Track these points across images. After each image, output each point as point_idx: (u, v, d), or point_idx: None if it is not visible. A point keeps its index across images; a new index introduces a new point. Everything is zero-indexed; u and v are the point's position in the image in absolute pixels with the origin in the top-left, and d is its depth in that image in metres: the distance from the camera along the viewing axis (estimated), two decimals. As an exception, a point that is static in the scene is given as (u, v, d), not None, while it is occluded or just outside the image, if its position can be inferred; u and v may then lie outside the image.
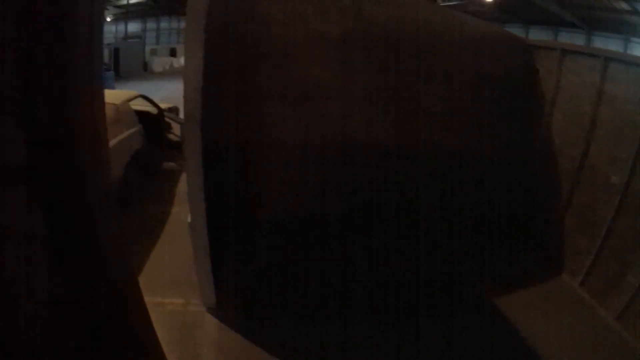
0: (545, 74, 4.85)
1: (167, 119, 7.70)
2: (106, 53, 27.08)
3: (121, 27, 39.04)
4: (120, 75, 25.35)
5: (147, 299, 3.52)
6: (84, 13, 0.94)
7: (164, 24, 46.24)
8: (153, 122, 7.16)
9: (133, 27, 42.42)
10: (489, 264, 4.38)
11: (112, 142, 4.95)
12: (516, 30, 27.71)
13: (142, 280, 3.72)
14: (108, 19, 41.67)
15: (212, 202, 3.34)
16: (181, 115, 7.81)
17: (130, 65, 28.32)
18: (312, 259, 4.11)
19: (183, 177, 7.06)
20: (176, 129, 7.91)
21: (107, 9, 37.81)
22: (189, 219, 3.44)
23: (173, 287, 3.94)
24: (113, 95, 6.11)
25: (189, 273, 3.77)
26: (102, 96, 1.01)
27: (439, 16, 4.12)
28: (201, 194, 3.31)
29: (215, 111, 3.46)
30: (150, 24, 44.75)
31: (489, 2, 22.30)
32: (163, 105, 7.94)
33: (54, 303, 0.90)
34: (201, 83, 3.07)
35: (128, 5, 34.14)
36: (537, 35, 25.95)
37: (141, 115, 6.70)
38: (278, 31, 3.83)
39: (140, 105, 7.16)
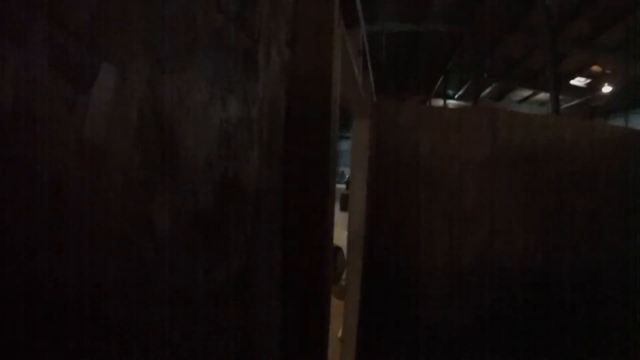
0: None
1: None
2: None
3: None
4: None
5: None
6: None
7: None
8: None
9: None
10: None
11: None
12: None
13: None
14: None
15: (363, 320, 3.45)
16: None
17: None
18: None
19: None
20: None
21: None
22: (340, 334, 3.61)
23: None
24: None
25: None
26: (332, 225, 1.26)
27: (567, 128, 4.22)
28: (355, 311, 3.58)
29: (375, 237, 3.75)
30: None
31: (608, 92, 21.11)
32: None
33: None
34: (364, 211, 3.38)
35: None
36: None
37: None
38: (429, 160, 4.15)
39: None
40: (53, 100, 0.42)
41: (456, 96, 26.83)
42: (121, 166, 0.49)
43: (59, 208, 0.42)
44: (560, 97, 15.84)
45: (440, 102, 25.88)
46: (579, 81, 21.85)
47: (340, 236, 4.17)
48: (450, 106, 25.27)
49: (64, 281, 0.43)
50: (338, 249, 8.59)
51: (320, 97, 1.09)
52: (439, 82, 24.61)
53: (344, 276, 4.35)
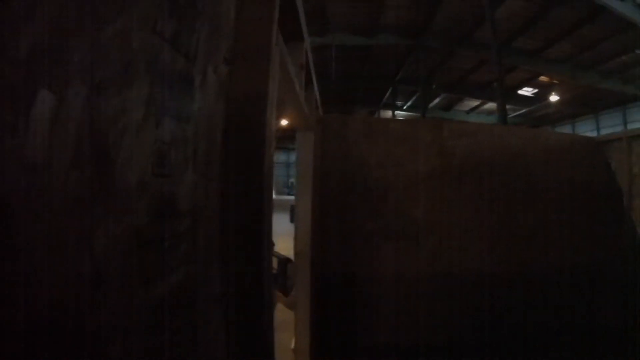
0: (619, 166, 4.91)
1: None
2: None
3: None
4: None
5: None
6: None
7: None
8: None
9: None
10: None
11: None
12: (588, 121, 27.37)
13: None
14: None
15: (315, 330, 3.48)
16: (279, 250, 8.20)
17: None
18: None
19: (279, 308, 7.20)
20: (274, 261, 8.22)
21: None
22: (293, 345, 3.68)
23: None
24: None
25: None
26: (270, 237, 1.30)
27: (513, 137, 4.42)
28: (306, 323, 3.58)
29: (321, 248, 3.80)
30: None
31: (555, 101, 22.41)
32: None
33: None
34: (310, 224, 3.42)
35: None
36: (608, 119, 25.87)
37: None
38: (375, 172, 4.24)
39: None
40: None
41: (405, 107, 27.44)
42: (60, 185, 0.52)
43: (3, 222, 0.44)
44: (508, 106, 16.57)
45: (389, 113, 26.35)
46: (526, 91, 22.92)
47: (291, 247, 4.21)
48: (399, 117, 25.78)
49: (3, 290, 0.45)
50: (289, 260, 8.39)
51: (257, 115, 1.13)
52: (388, 93, 25.11)
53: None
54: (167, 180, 0.76)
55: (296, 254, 3.52)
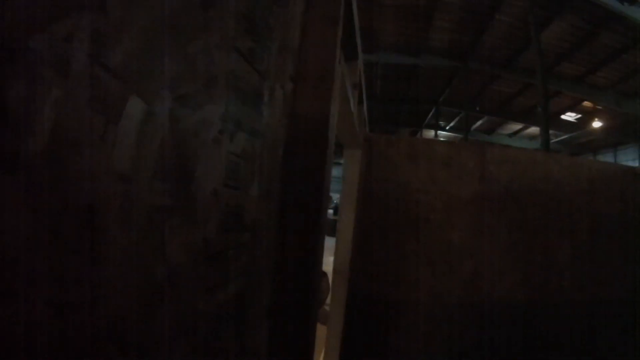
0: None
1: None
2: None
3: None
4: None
5: None
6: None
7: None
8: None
9: None
10: None
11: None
12: (630, 149, 26.03)
13: None
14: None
15: (346, 346, 3.46)
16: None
17: None
18: None
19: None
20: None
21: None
22: (321, 358, 3.65)
23: None
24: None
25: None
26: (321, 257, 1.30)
27: (555, 165, 4.27)
28: (338, 337, 3.58)
29: (360, 267, 3.78)
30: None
31: (597, 128, 21.55)
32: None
33: None
34: (351, 244, 3.41)
35: None
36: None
37: None
38: (417, 195, 4.20)
39: None
40: (87, 130, 0.47)
41: (447, 127, 27.14)
42: (144, 194, 0.54)
43: (90, 229, 0.46)
44: (551, 132, 16.15)
45: (431, 133, 26.13)
46: (569, 116, 22.29)
47: (325, 260, 4.20)
48: (441, 138, 25.50)
49: (89, 295, 0.47)
50: (323, 274, 8.45)
51: (318, 134, 1.14)
52: (431, 114, 24.95)
53: (327, 301, 4.35)
54: (237, 193, 0.78)
55: (335, 269, 3.48)
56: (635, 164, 18.75)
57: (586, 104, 19.46)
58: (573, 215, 4.29)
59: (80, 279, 0.46)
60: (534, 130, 22.74)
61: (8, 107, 0.38)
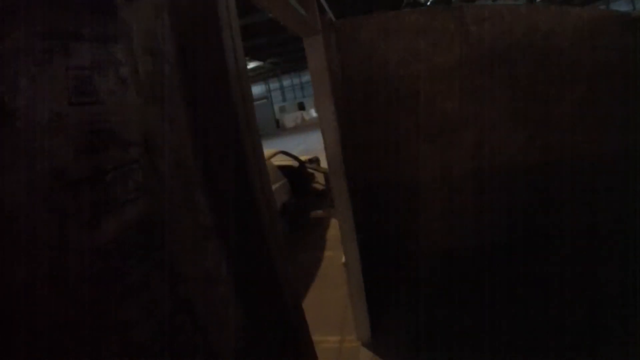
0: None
1: (310, 170, 8.07)
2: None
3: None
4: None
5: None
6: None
7: (286, 82, 50.52)
8: (297, 175, 7.57)
9: (257, 89, 46.55)
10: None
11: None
12: (622, 1, 24.77)
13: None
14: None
15: (363, 242, 3.56)
16: (323, 163, 8.23)
17: (263, 125, 30.24)
18: (467, 291, 4.07)
19: (332, 223, 7.37)
20: (320, 177, 8.27)
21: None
22: (343, 260, 3.68)
23: (329, 325, 4.13)
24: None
25: (344, 312, 3.94)
26: (263, 159, 1.23)
27: (541, 16, 3.98)
28: (352, 235, 3.55)
29: (356, 157, 3.76)
30: (274, 84, 49.12)
31: None
32: (304, 158, 8.37)
33: (239, 334, 1.12)
34: (338, 134, 3.34)
35: (248, 70, 37.19)
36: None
37: (284, 169, 7.17)
38: (399, 71, 4.04)
39: (281, 160, 7.68)
40: None
41: (428, 3, 25.78)
42: None
43: None
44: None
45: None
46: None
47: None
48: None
49: None
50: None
51: (211, 30, 1.02)
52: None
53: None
54: (94, 107, 0.69)
55: (330, 166, 3.45)
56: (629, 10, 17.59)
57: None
58: (569, 67, 4.06)
59: None
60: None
61: None
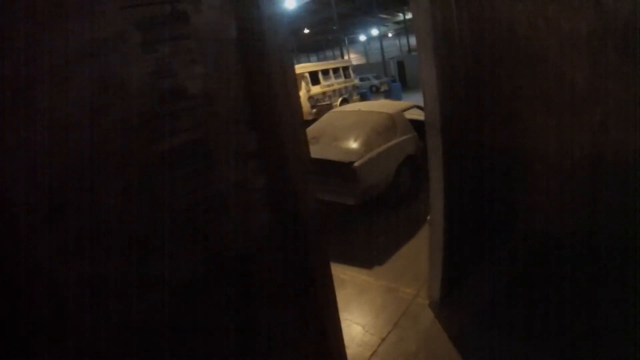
0: None
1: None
2: (392, 65, 29.60)
3: (403, 41, 42.03)
4: (408, 86, 27.06)
5: (385, 283, 4.15)
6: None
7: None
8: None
9: (414, 40, 44.49)
10: None
11: (384, 146, 5.87)
12: None
13: (385, 268, 4.40)
14: (390, 35, 45.50)
15: (450, 203, 3.49)
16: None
17: (415, 76, 29.38)
18: (559, 277, 3.75)
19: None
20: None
21: (387, 26, 41.26)
22: (429, 217, 3.67)
23: (412, 277, 4.20)
24: (390, 106, 7.04)
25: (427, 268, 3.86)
26: (299, 106, 1.80)
27: None
28: (441, 195, 3.51)
29: (456, 117, 3.61)
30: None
31: None
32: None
33: (265, 230, 1.70)
34: (436, 91, 3.33)
35: (405, 20, 36.44)
36: None
37: (417, 123, 7.31)
38: (529, 34, 3.89)
39: (415, 114, 7.81)
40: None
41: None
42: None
43: None
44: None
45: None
46: None
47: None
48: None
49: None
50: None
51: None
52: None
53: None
54: (168, 80, 1.28)
55: (427, 125, 3.44)
56: None
57: None
58: None
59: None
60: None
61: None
